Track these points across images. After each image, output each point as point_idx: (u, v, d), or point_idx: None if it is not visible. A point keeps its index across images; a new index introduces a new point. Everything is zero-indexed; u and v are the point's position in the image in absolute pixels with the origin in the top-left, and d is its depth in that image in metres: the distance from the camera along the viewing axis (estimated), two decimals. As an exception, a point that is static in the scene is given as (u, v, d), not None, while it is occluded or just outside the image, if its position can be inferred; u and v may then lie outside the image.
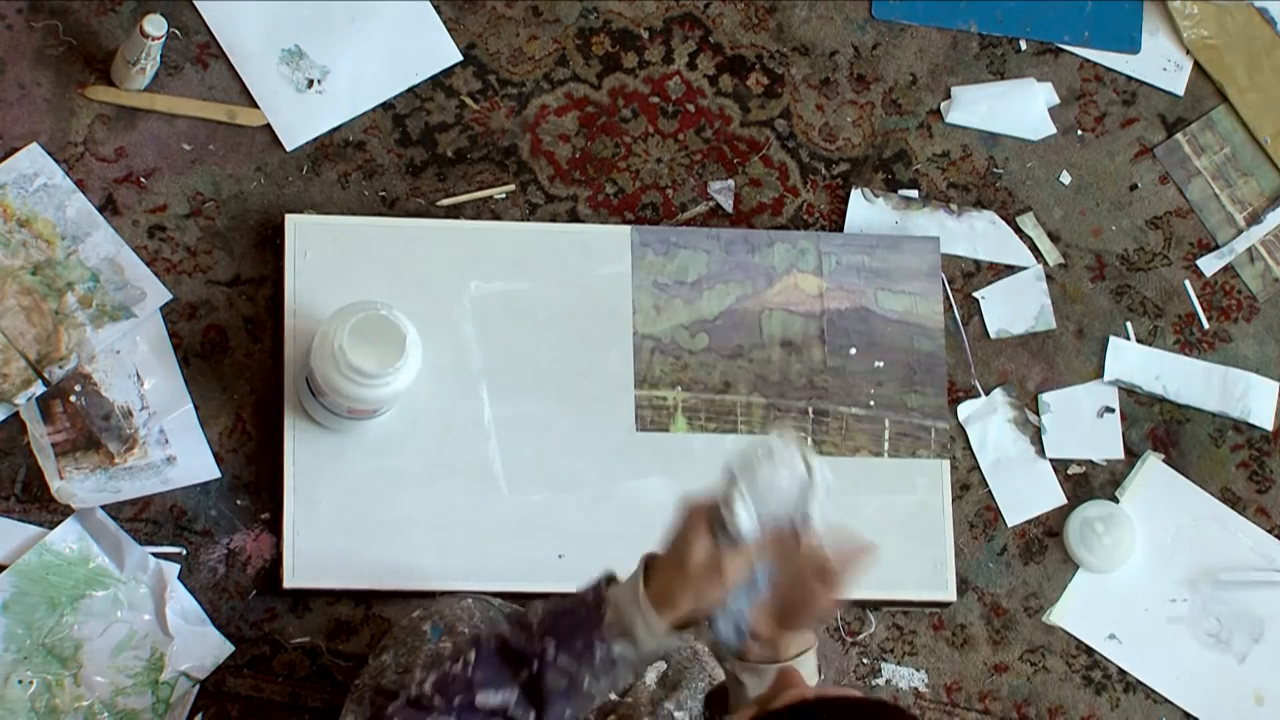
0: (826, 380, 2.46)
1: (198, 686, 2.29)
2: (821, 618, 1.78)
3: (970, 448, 2.50)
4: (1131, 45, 2.65)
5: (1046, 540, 2.49)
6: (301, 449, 2.34)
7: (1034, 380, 2.53)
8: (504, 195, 2.49)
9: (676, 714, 2.09)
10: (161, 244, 2.40)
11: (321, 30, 2.48)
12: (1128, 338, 2.56)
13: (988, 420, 2.50)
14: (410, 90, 2.49)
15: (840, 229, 2.53)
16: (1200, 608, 2.50)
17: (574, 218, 2.49)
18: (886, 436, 2.46)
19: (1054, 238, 2.58)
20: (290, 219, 2.40)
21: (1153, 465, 2.52)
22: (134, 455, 2.33)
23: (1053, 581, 2.49)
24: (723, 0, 2.58)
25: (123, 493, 2.32)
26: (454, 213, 2.47)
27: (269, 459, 2.36)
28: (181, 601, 2.30)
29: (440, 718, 1.74)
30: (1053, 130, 2.61)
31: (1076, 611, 2.48)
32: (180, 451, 2.34)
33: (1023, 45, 2.63)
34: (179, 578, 2.31)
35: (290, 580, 2.31)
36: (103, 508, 2.30)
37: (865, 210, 2.54)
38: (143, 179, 2.41)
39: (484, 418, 2.39)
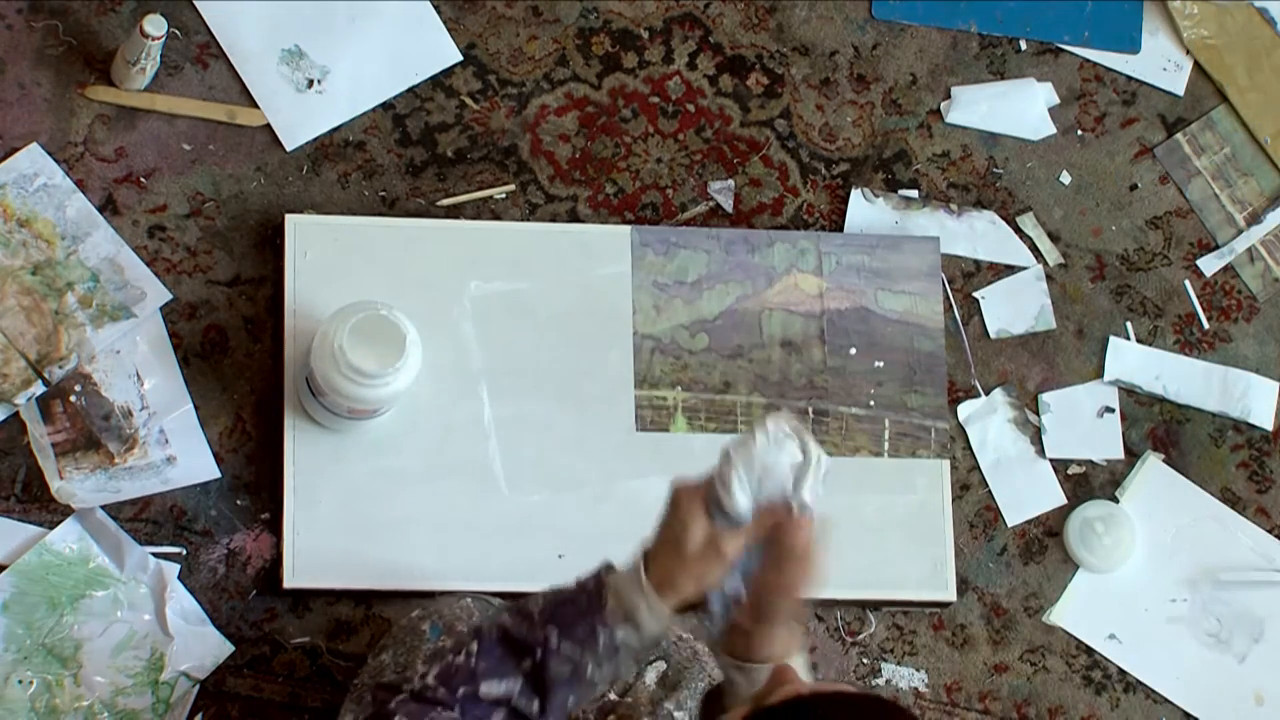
0: (826, 380, 2.46)
1: (198, 686, 2.29)
2: (796, 603, 1.78)
3: (970, 448, 2.50)
4: (1131, 45, 2.65)
5: (1046, 540, 2.49)
6: (301, 449, 2.34)
7: (1034, 380, 2.53)
8: (504, 195, 2.49)
9: (676, 714, 2.09)
10: (161, 244, 2.40)
11: (321, 30, 2.48)
12: (1128, 338, 2.56)
13: (988, 420, 2.50)
14: (410, 90, 2.49)
15: (840, 229, 2.53)
16: (1200, 608, 2.50)
17: (574, 218, 2.49)
18: (886, 436, 2.46)
19: (1054, 238, 2.58)
20: (290, 219, 2.40)
21: (1153, 465, 2.52)
22: (134, 455, 2.33)
23: (1053, 581, 2.49)
24: (723, 0, 2.58)
25: (123, 493, 2.32)
26: (454, 213, 2.47)
27: (269, 459, 2.36)
28: (181, 601, 2.30)
29: (444, 711, 1.74)
30: (1053, 130, 2.61)
31: (1076, 611, 2.48)
32: (180, 451, 2.34)
33: (1023, 45, 2.63)
34: (179, 578, 2.31)
35: (290, 580, 2.31)
36: (103, 508, 2.30)
37: (865, 210, 2.55)
38: (143, 179, 2.41)
39: (484, 418, 2.39)
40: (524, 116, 2.51)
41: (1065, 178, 2.60)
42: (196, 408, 2.36)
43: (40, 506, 2.31)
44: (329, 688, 2.32)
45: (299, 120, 2.45)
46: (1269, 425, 2.56)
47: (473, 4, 2.53)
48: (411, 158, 2.48)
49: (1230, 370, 2.56)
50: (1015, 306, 2.55)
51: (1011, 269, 2.56)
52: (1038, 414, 2.52)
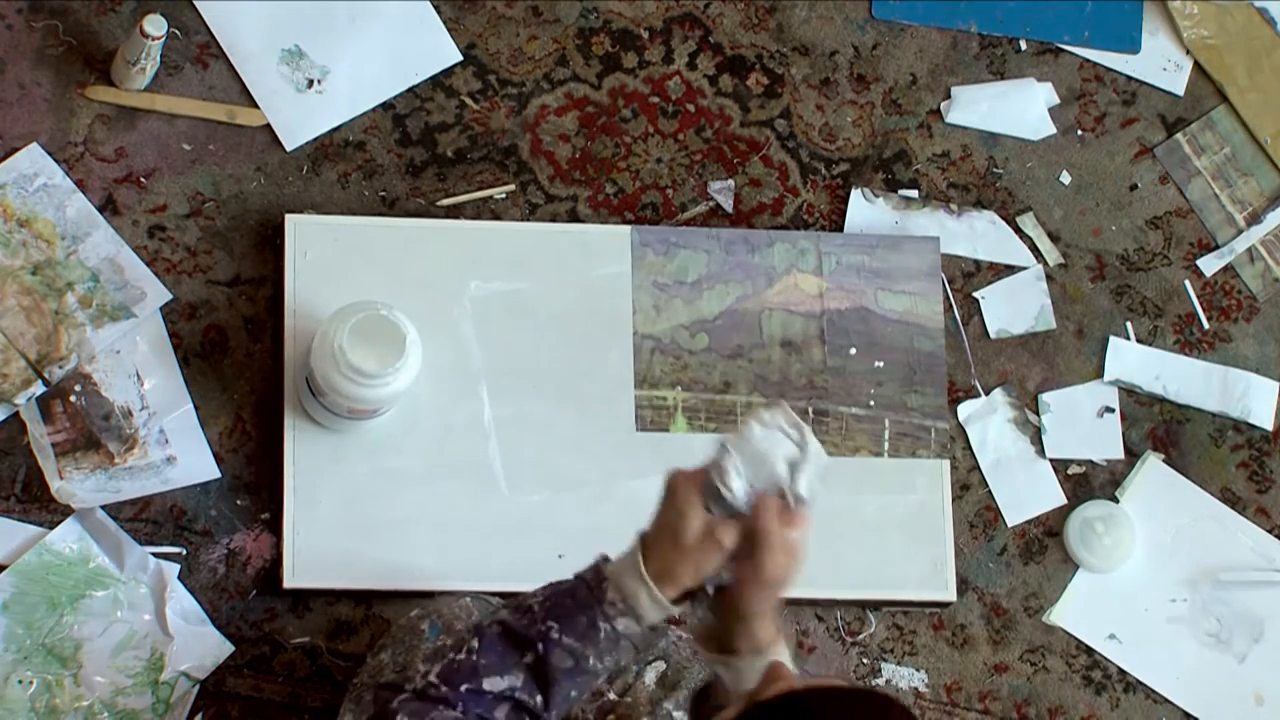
0: (826, 380, 2.46)
1: (198, 686, 2.29)
2: (778, 595, 1.78)
3: (970, 448, 2.50)
4: (1131, 45, 2.65)
5: (1046, 540, 2.49)
6: (301, 449, 2.34)
7: (1034, 380, 2.53)
8: (504, 195, 2.49)
9: (676, 714, 2.09)
10: (161, 244, 2.40)
11: (321, 30, 2.48)
12: (1128, 338, 2.56)
13: (988, 420, 2.50)
14: (410, 90, 2.49)
15: (840, 229, 2.53)
16: (1200, 608, 2.50)
17: (574, 218, 2.49)
18: (886, 436, 2.46)
19: (1054, 238, 2.58)
20: (290, 219, 2.40)
21: (1153, 465, 2.52)
22: (134, 455, 2.33)
23: (1053, 581, 2.49)
24: (723, 0, 2.58)
25: (123, 493, 2.32)
26: (454, 213, 2.47)
27: (269, 459, 2.36)
28: (181, 601, 2.30)
29: (446, 708, 1.74)
30: (1053, 130, 2.61)
31: (1076, 611, 2.48)
32: (180, 451, 2.34)
33: (1023, 45, 2.63)
34: (179, 578, 2.31)
35: (290, 580, 2.31)
36: (103, 508, 2.30)
37: (865, 210, 2.54)
38: (143, 179, 2.41)
39: (484, 418, 2.39)
40: (524, 116, 2.51)
41: (1065, 178, 2.60)
42: (196, 408, 2.36)
43: (40, 506, 2.31)
44: (329, 688, 2.32)
45: (299, 120, 2.45)
46: (1269, 425, 2.56)
47: (473, 4, 2.53)
48: (411, 158, 2.48)
49: (1230, 370, 2.56)
50: (1015, 306, 2.55)
51: (1011, 269, 2.56)
52: (1038, 414, 2.52)
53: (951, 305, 2.53)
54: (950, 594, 2.44)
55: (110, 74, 2.41)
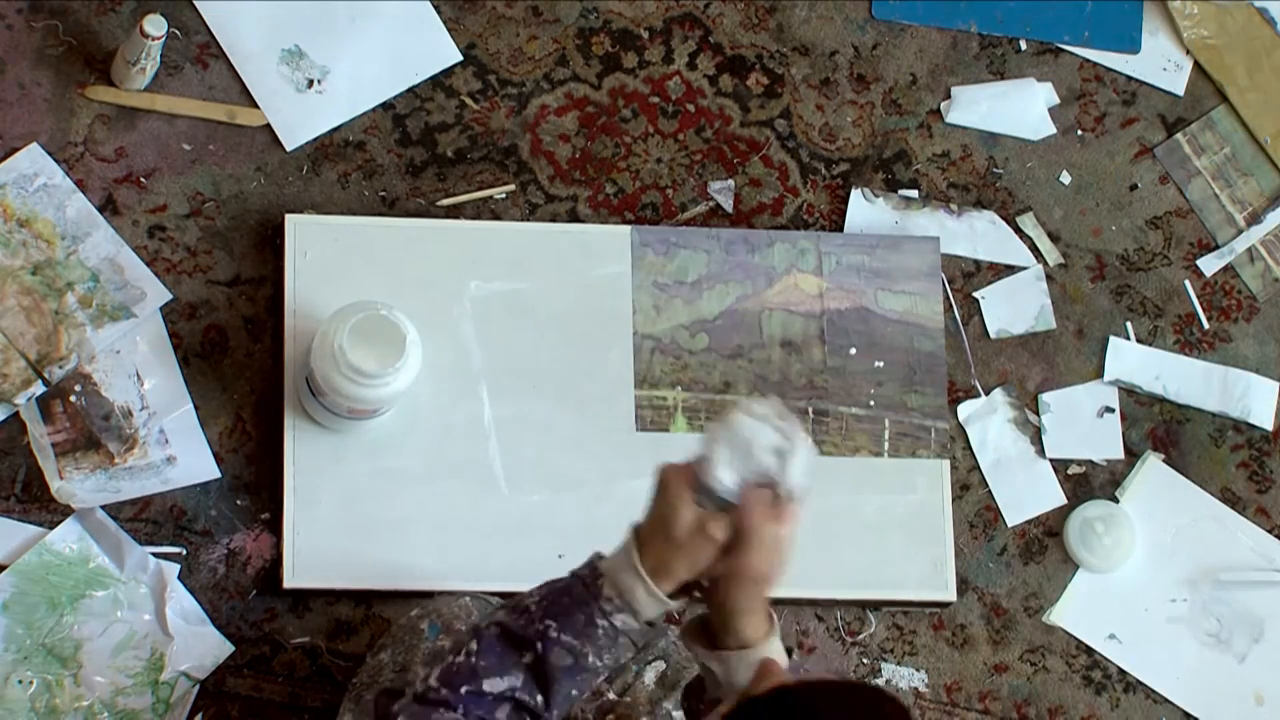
0: (826, 380, 2.46)
1: (198, 686, 2.29)
2: (765, 589, 1.78)
3: (970, 448, 2.50)
4: (1131, 45, 2.65)
5: (1046, 540, 2.49)
6: (301, 449, 2.34)
7: (1034, 380, 2.53)
8: (504, 195, 2.49)
9: (675, 714, 2.09)
10: (161, 244, 2.40)
11: (321, 30, 2.48)
12: (1128, 338, 2.56)
13: (988, 420, 2.50)
14: (410, 90, 2.49)
15: (840, 229, 2.53)
16: (1200, 608, 2.50)
17: (574, 218, 2.49)
18: (886, 436, 2.46)
19: (1054, 238, 2.58)
20: (290, 219, 2.40)
21: (1153, 465, 2.52)
22: (134, 455, 2.33)
23: (1053, 581, 2.49)
24: (723, 0, 2.58)
25: (123, 493, 2.32)
26: (454, 213, 2.47)
27: (269, 459, 2.36)
28: (181, 601, 2.30)
29: (447, 711, 1.74)
30: (1053, 130, 2.61)
31: (1076, 611, 2.48)
32: (180, 451, 2.34)
33: (1023, 45, 2.63)
34: (179, 578, 2.31)
35: (290, 580, 2.31)
36: (103, 508, 2.30)
37: (865, 210, 2.54)
38: (143, 179, 2.41)
39: (484, 418, 2.39)
40: (524, 116, 2.51)
41: (1065, 178, 2.60)
42: (196, 408, 2.36)
43: (40, 506, 2.31)
44: (329, 688, 2.32)
45: (299, 120, 2.45)
46: (1269, 425, 2.56)
47: (473, 4, 2.53)
48: (411, 158, 2.48)
49: (1230, 370, 2.56)
50: (1015, 306, 2.55)
51: (1011, 269, 2.56)
52: (1038, 414, 2.52)
53: (951, 305, 2.53)
54: (950, 594, 2.44)
55: (110, 74, 2.41)
